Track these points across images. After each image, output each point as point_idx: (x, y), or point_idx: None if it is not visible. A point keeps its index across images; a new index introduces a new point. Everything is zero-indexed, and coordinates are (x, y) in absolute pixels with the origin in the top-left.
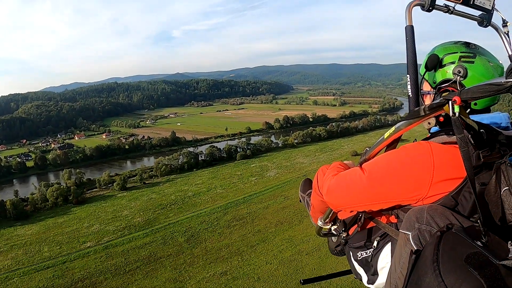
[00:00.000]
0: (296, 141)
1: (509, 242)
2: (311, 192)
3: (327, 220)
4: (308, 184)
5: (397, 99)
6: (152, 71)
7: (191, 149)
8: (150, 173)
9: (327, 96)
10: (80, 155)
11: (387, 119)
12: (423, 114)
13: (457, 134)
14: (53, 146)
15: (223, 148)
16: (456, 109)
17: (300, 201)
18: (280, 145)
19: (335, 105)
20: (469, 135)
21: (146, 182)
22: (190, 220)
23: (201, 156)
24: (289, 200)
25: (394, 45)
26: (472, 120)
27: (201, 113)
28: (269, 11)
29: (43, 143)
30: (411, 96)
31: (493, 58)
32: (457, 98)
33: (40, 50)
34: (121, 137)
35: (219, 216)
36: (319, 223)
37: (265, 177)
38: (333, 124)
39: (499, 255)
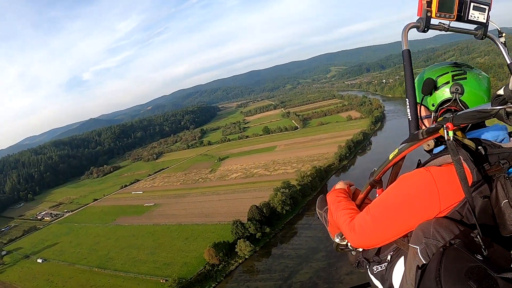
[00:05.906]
0: None
1: None
2: (327, 209)
3: (344, 236)
4: (324, 200)
5: (356, 97)
6: (68, 121)
7: None
8: None
9: (269, 111)
10: None
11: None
12: (422, 137)
13: (453, 156)
14: None
15: None
16: (450, 134)
17: (318, 218)
18: None
19: (296, 128)
20: (467, 154)
21: None
22: None
23: None
24: None
25: (303, 39)
26: (469, 139)
27: (95, 199)
28: (174, 34)
29: None
30: (410, 119)
31: (479, 70)
32: (449, 125)
33: None
34: None
35: None
36: (336, 239)
37: None
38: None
39: (501, 266)
